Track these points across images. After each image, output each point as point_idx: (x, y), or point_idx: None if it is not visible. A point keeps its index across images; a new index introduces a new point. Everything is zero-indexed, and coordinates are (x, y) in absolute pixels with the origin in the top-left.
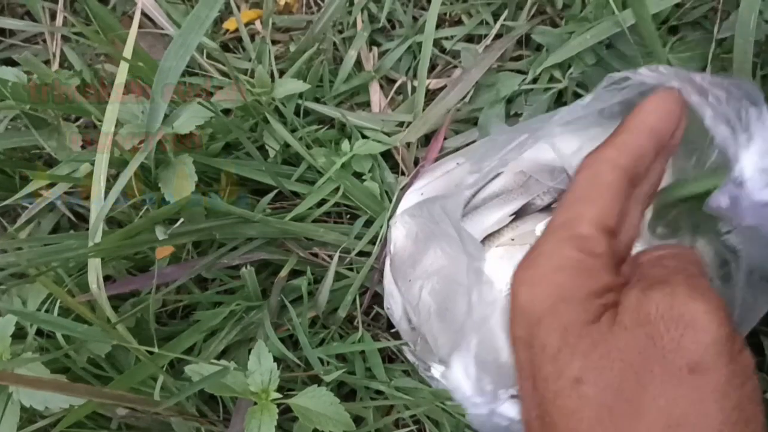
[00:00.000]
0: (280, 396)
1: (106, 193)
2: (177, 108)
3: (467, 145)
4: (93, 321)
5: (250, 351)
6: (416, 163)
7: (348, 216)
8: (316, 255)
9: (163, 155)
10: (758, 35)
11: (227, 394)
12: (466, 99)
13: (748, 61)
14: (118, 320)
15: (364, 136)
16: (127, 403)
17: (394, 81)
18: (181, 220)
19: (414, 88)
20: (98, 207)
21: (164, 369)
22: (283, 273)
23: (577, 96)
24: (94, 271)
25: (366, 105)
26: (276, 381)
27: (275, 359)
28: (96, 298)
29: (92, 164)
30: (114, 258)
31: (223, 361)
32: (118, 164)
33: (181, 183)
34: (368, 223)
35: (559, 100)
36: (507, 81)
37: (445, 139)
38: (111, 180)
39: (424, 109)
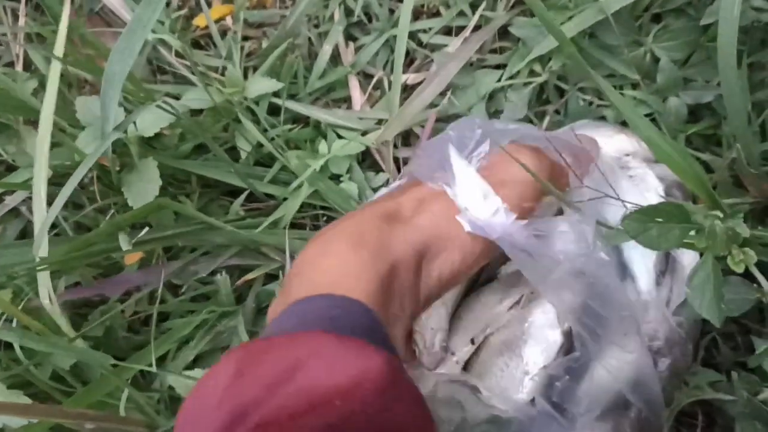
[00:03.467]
0: None
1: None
2: (138, 108)
3: None
4: (49, 336)
5: None
6: (396, 160)
7: (325, 218)
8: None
9: (128, 158)
10: (743, 21)
11: None
12: (445, 97)
13: (733, 49)
14: (77, 335)
15: (339, 135)
16: (89, 421)
17: (371, 76)
18: (146, 229)
19: (392, 84)
20: (41, 218)
21: (131, 381)
22: (251, 276)
23: (559, 90)
24: (45, 286)
25: (342, 101)
26: None
27: None
28: (50, 313)
29: (52, 170)
30: (76, 267)
31: (197, 371)
32: None
33: (144, 187)
34: None
35: (540, 96)
36: (484, 79)
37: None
38: (78, 188)
39: (401, 105)
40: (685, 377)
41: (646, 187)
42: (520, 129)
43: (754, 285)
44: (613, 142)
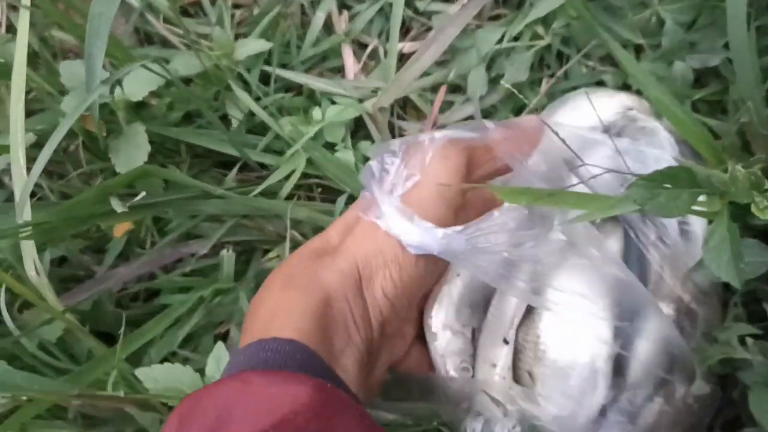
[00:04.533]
0: None
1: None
2: (125, 67)
3: (465, 119)
4: (40, 306)
5: (215, 337)
6: (392, 130)
7: (319, 189)
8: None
9: (115, 125)
10: None
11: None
12: (443, 63)
13: (741, 11)
14: (65, 309)
15: (334, 104)
16: (76, 398)
17: (366, 45)
18: (142, 194)
19: (387, 53)
20: (21, 181)
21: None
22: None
23: (560, 55)
24: (29, 256)
25: (336, 71)
26: None
27: None
28: (36, 285)
29: (36, 134)
30: (61, 237)
31: (166, 365)
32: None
33: (132, 153)
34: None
35: (541, 63)
36: (486, 37)
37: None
38: (62, 153)
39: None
40: (716, 334)
41: (659, 141)
42: (445, 134)
43: None
44: (614, 101)
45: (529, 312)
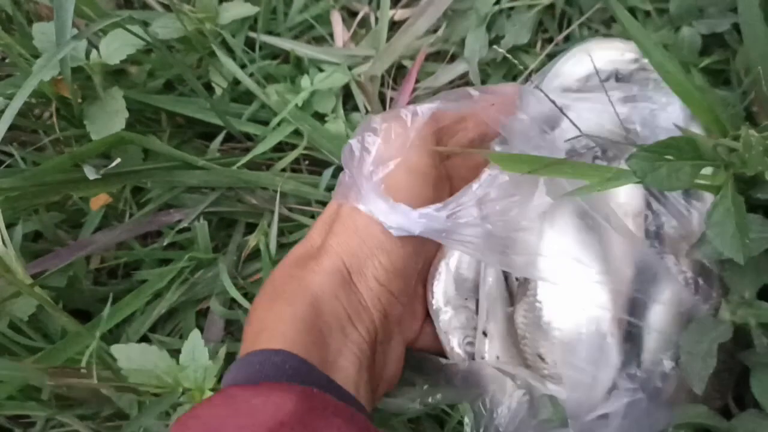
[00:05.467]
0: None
1: None
2: (100, 21)
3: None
4: (7, 278)
5: (197, 313)
6: (383, 102)
7: (306, 162)
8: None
9: (92, 91)
10: None
11: (157, 388)
12: (439, 31)
13: None
14: (35, 282)
15: (322, 71)
16: (51, 377)
17: (356, 13)
18: (118, 160)
19: (378, 20)
20: None
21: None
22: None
23: (563, 15)
24: None
25: (325, 39)
26: (212, 379)
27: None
28: (3, 258)
29: (7, 99)
30: (32, 207)
31: (143, 345)
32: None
33: (109, 119)
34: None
35: (540, 25)
36: None
37: (418, 81)
38: (35, 120)
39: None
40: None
41: (666, 91)
42: (429, 108)
43: None
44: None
45: (525, 292)
